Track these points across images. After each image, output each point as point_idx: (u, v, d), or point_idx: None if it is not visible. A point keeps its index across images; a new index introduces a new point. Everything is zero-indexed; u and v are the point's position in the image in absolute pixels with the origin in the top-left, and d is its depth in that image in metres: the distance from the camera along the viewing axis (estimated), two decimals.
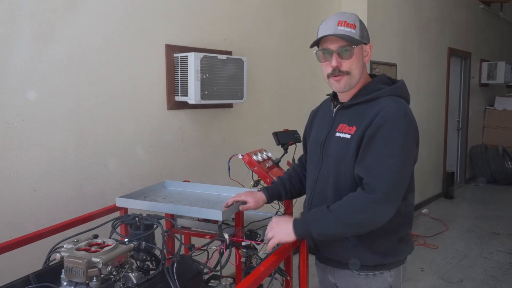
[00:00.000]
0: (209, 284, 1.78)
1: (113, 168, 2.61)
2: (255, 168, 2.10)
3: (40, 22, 2.25)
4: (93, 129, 2.50)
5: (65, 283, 1.24)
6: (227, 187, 2.09)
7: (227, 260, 1.59)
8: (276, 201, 2.03)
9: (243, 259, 1.92)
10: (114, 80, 2.60)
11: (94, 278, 1.20)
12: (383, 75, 1.60)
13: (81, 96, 2.44)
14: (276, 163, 2.22)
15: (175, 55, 2.89)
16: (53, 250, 1.42)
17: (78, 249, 1.27)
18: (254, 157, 2.11)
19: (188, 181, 2.24)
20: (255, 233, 1.92)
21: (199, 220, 2.01)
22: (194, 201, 1.98)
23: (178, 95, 2.91)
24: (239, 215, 1.84)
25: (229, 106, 3.36)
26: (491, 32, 8.05)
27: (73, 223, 1.88)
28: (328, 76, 1.53)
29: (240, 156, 2.12)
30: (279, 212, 2.11)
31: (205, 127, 3.20)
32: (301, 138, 2.31)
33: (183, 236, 1.75)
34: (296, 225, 1.48)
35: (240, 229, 1.86)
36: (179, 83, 2.89)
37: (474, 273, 3.81)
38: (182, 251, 1.52)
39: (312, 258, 1.70)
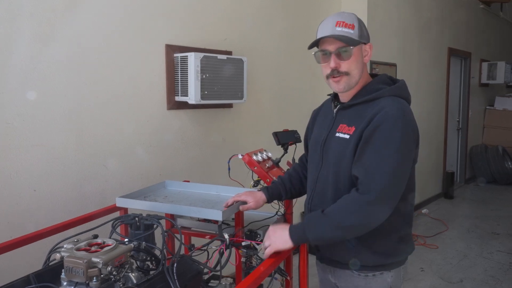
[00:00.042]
0: (209, 284, 1.78)
1: (113, 168, 2.61)
2: (255, 168, 2.10)
3: (40, 22, 2.25)
4: (93, 129, 2.50)
5: (65, 283, 1.24)
6: (227, 187, 2.09)
7: (227, 260, 1.59)
8: (276, 201, 2.04)
9: (243, 259, 1.92)
10: (114, 80, 2.60)
11: (94, 278, 1.20)
12: (384, 75, 1.60)
13: (81, 96, 2.44)
14: (276, 163, 2.22)
15: (175, 55, 2.89)
16: (53, 250, 1.42)
17: (78, 249, 1.27)
18: (254, 157, 2.11)
19: (188, 181, 2.24)
20: (255, 233, 1.92)
21: (199, 220, 2.01)
22: (194, 201, 1.97)
23: (178, 95, 2.91)
24: (239, 215, 1.84)
25: (229, 106, 3.36)
26: (491, 32, 8.05)
27: (73, 223, 1.88)
28: (327, 77, 1.53)
29: (240, 156, 2.12)
30: (279, 212, 2.11)
31: (205, 127, 3.20)
32: (302, 138, 2.31)
33: (183, 236, 1.75)
34: (292, 231, 1.47)
35: (240, 229, 1.86)
36: (179, 83, 2.89)
37: (474, 273, 3.81)
38: (182, 251, 1.52)
39: (312, 258, 1.70)
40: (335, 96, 1.64)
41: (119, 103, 2.63)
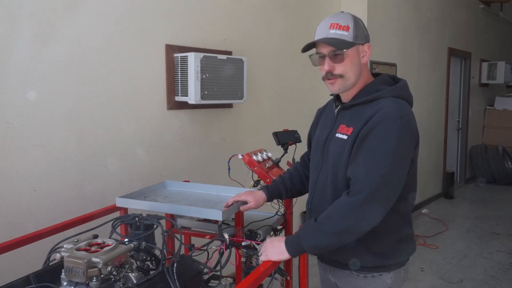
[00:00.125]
0: (209, 284, 1.78)
1: (113, 168, 2.61)
2: (255, 168, 2.10)
3: (40, 22, 2.25)
4: (93, 129, 2.50)
5: (65, 283, 1.24)
6: (227, 187, 2.09)
7: (227, 260, 1.59)
8: (276, 201, 2.04)
9: (243, 259, 1.92)
10: (114, 80, 2.60)
11: (94, 278, 1.20)
12: (386, 75, 1.58)
13: (81, 96, 2.44)
14: (276, 163, 2.22)
15: (175, 55, 2.89)
16: (53, 250, 1.42)
17: (78, 249, 1.27)
18: (254, 157, 2.12)
19: (188, 181, 2.24)
20: (255, 233, 1.92)
21: (199, 220, 2.01)
22: (194, 201, 1.97)
23: (178, 95, 2.91)
24: (239, 215, 1.84)
25: (229, 106, 3.36)
26: (491, 32, 8.05)
27: (73, 223, 1.88)
28: (323, 78, 1.54)
29: (240, 156, 2.12)
30: (279, 212, 2.11)
31: (205, 127, 3.20)
32: (303, 138, 2.31)
33: (183, 236, 1.75)
34: (288, 243, 1.46)
35: (240, 229, 1.86)
36: (179, 83, 2.89)
37: (474, 273, 3.81)
38: (182, 251, 1.52)
39: (312, 258, 1.70)
40: (337, 96, 1.64)
41: (119, 103, 2.63)
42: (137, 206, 1.86)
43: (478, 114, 7.78)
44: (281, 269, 1.93)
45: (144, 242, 1.46)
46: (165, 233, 1.54)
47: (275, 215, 2.12)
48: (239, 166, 2.18)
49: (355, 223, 1.38)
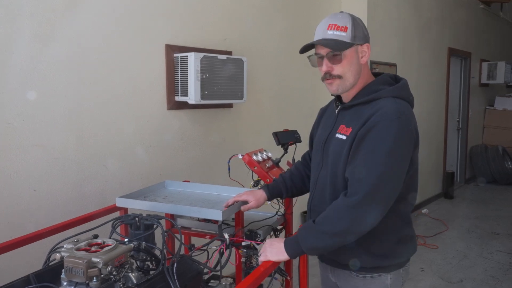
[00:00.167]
0: (209, 284, 1.78)
1: (113, 168, 2.61)
2: (255, 168, 2.10)
3: (40, 22, 2.25)
4: (93, 129, 2.50)
5: (65, 283, 1.24)
6: (227, 187, 2.09)
7: (227, 260, 1.59)
8: (276, 201, 2.04)
9: (243, 259, 1.92)
10: (114, 80, 2.60)
11: (94, 278, 1.20)
12: (386, 74, 1.57)
13: (81, 96, 2.44)
14: (276, 163, 2.22)
15: (175, 55, 2.89)
16: (53, 250, 1.42)
17: (78, 249, 1.27)
18: (254, 157, 2.12)
19: (188, 181, 2.24)
20: (255, 233, 1.93)
21: (199, 220, 2.01)
22: (194, 201, 1.97)
23: (178, 95, 2.91)
24: (239, 215, 1.84)
25: (229, 106, 3.36)
26: (491, 32, 8.05)
27: (73, 223, 1.88)
28: (322, 79, 1.54)
29: (240, 156, 2.12)
30: (279, 212, 2.11)
31: (205, 127, 3.20)
32: (302, 138, 2.31)
33: (183, 236, 1.75)
34: (287, 244, 1.46)
35: (240, 229, 1.86)
36: (179, 83, 2.89)
37: (474, 273, 3.81)
38: (182, 251, 1.52)
39: (312, 258, 1.70)
40: (338, 96, 1.63)
41: (119, 103, 2.63)
42: (137, 206, 1.86)
43: (478, 114, 7.78)
44: (281, 269, 1.93)
45: (144, 242, 1.46)
46: (165, 233, 1.54)
47: (275, 215, 2.12)
48: (239, 166, 2.18)
49: (353, 224, 1.38)
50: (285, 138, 2.24)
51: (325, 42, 1.46)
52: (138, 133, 2.75)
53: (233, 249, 1.72)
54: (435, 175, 6.28)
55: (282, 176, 1.86)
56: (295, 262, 1.74)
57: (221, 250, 1.63)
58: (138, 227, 1.55)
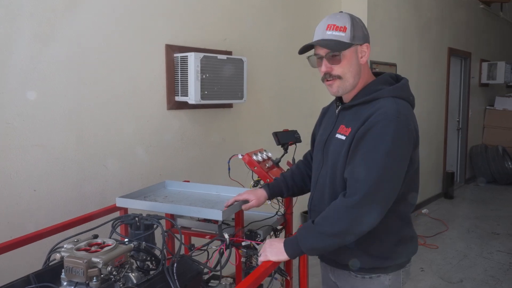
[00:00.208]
0: (209, 284, 1.78)
1: (113, 168, 2.61)
2: (255, 168, 2.10)
3: (40, 22, 2.25)
4: (93, 129, 2.50)
5: (65, 283, 1.24)
6: (227, 187, 2.09)
7: (227, 260, 1.59)
8: (276, 201, 2.04)
9: (243, 259, 1.92)
10: (114, 80, 2.60)
11: (94, 278, 1.20)
12: (386, 74, 1.57)
13: (81, 96, 2.44)
14: (276, 163, 2.22)
15: (175, 55, 2.89)
16: (53, 250, 1.42)
17: (78, 249, 1.27)
18: (254, 157, 2.12)
19: (188, 181, 2.24)
20: (255, 233, 1.92)
21: (199, 220, 2.01)
22: (194, 201, 1.97)
23: (178, 95, 2.91)
24: (239, 215, 1.84)
25: (229, 106, 3.36)
26: (491, 32, 8.05)
27: (73, 223, 1.88)
28: (322, 80, 1.53)
29: (240, 156, 2.13)
30: (279, 212, 2.11)
31: (205, 127, 3.20)
32: (302, 138, 2.31)
33: (183, 236, 1.75)
34: (287, 244, 1.46)
35: (240, 229, 1.86)
36: (179, 83, 2.89)
37: (474, 273, 3.81)
38: (182, 251, 1.52)
39: (312, 258, 1.70)
40: (338, 96, 1.63)
41: (119, 103, 2.63)
42: (137, 206, 1.86)
43: (478, 114, 7.78)
44: (281, 269, 1.93)
45: (144, 242, 1.46)
46: (165, 233, 1.54)
47: (275, 215, 2.12)
48: (239, 166, 2.18)
49: (352, 224, 1.37)
50: (285, 138, 2.24)
51: (324, 43, 1.46)
52: (138, 133, 2.75)
53: (233, 249, 1.72)
54: (435, 175, 6.28)
55: (283, 175, 1.86)
56: (295, 262, 1.74)
57: (221, 250, 1.63)
58: (138, 227, 1.54)
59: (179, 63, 2.87)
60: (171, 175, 2.86)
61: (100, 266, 1.20)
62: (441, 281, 3.64)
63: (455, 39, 6.56)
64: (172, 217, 2.03)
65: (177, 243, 1.65)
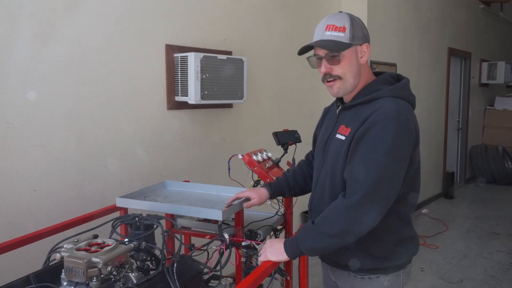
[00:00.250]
0: (209, 284, 1.78)
1: (113, 168, 2.61)
2: (255, 168, 2.10)
3: (40, 22, 2.25)
4: (93, 129, 2.50)
5: (65, 283, 1.24)
6: (227, 187, 2.09)
7: (227, 260, 1.59)
8: (276, 201, 2.04)
9: (243, 259, 1.92)
10: (114, 80, 2.60)
11: (94, 278, 1.20)
12: (387, 74, 1.56)
13: (81, 96, 2.44)
14: (276, 163, 2.22)
15: (175, 55, 2.89)
16: (53, 250, 1.42)
17: (78, 249, 1.27)
18: (254, 157, 2.12)
19: (188, 181, 2.24)
20: (255, 233, 1.93)
21: (199, 220, 2.01)
22: (194, 201, 1.97)
23: (178, 95, 2.91)
24: (239, 215, 1.84)
25: (229, 106, 3.36)
26: (491, 32, 8.05)
27: (73, 223, 1.88)
28: (322, 81, 1.53)
29: (240, 156, 2.13)
30: (279, 212, 2.11)
31: (205, 127, 3.20)
32: (302, 138, 2.31)
33: (183, 236, 1.75)
34: (287, 245, 1.46)
35: (240, 229, 1.86)
36: (179, 83, 2.89)
37: (474, 273, 3.81)
38: (182, 251, 1.52)
39: (312, 258, 1.70)
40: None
41: (119, 103, 2.63)
42: (137, 206, 1.86)
43: (478, 114, 7.78)
44: (281, 269, 1.93)
45: (144, 242, 1.46)
46: (165, 233, 1.54)
47: (275, 215, 2.12)
48: (239, 166, 2.19)
49: (352, 224, 1.37)
50: (285, 138, 2.24)
51: (323, 43, 1.45)
52: (138, 133, 2.75)
53: (233, 249, 1.72)
54: (435, 175, 6.28)
55: (285, 174, 1.86)
56: (295, 262, 1.74)
57: (221, 250, 1.63)
58: (138, 227, 1.55)
59: (179, 63, 2.87)
60: (171, 175, 2.86)
61: (100, 266, 1.20)
62: (441, 281, 3.64)
63: (455, 39, 6.56)
64: (172, 217, 2.03)
65: (177, 243, 1.65)
